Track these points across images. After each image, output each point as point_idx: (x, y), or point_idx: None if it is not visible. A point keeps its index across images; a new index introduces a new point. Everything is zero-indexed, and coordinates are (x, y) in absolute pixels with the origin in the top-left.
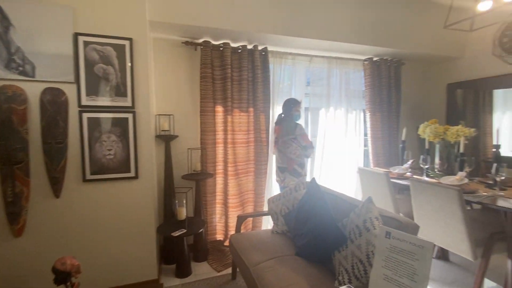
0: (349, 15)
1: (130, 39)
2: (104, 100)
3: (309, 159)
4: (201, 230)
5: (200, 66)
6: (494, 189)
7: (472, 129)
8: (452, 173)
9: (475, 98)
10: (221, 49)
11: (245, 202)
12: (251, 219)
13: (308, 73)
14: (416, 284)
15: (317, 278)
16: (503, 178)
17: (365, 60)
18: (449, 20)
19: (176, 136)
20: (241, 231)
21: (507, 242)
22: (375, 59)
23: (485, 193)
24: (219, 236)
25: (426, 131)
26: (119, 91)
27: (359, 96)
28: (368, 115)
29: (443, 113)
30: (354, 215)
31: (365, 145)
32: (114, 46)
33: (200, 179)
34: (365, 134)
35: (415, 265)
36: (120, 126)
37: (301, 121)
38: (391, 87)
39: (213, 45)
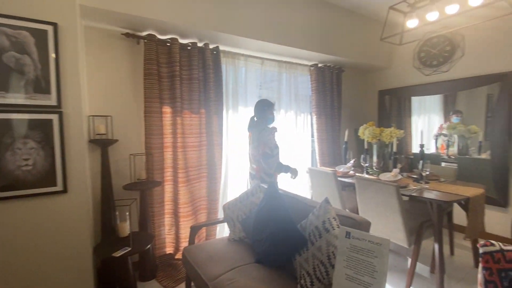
0: (300, 22)
1: (54, 24)
2: (17, 98)
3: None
4: (148, 246)
5: (144, 62)
6: (421, 183)
7: (402, 131)
8: (387, 170)
9: (398, 103)
10: (168, 44)
11: (198, 210)
12: (204, 227)
13: (260, 75)
14: (376, 281)
15: (280, 285)
16: (427, 173)
17: (311, 66)
18: (384, 34)
19: (116, 141)
20: (195, 242)
21: (433, 228)
22: (320, 65)
23: (414, 187)
24: (169, 250)
25: (366, 132)
26: (39, 86)
27: (307, 100)
28: (314, 118)
29: (376, 117)
30: (313, 217)
31: (312, 146)
32: (32, 31)
33: (146, 188)
34: (312, 136)
35: (374, 262)
36: (41, 129)
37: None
38: (333, 92)
39: (159, 39)
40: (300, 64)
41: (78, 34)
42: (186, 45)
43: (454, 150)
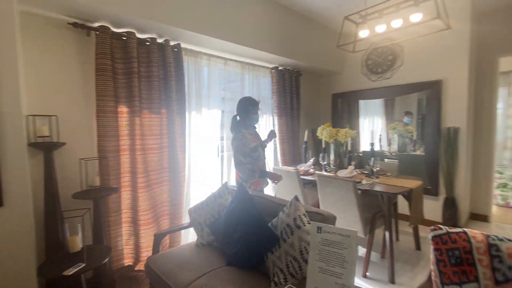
0: (262, 25)
1: None
2: None
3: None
4: (106, 260)
5: (96, 56)
6: (372, 178)
7: (355, 131)
8: (343, 167)
9: (348, 106)
10: (124, 38)
11: (160, 217)
12: (168, 234)
13: (223, 75)
14: (347, 270)
15: (253, 285)
16: (378, 168)
17: (272, 68)
18: (339, 42)
19: (63, 144)
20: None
21: (384, 218)
22: (280, 68)
23: (367, 182)
24: (128, 261)
25: (324, 133)
26: None
27: (269, 102)
28: (276, 119)
29: (330, 118)
30: (284, 215)
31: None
32: None
33: (100, 196)
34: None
35: (344, 253)
36: None
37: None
38: (293, 94)
39: (114, 32)
40: (262, 66)
41: (12, 19)
42: (144, 40)
43: (394, 147)
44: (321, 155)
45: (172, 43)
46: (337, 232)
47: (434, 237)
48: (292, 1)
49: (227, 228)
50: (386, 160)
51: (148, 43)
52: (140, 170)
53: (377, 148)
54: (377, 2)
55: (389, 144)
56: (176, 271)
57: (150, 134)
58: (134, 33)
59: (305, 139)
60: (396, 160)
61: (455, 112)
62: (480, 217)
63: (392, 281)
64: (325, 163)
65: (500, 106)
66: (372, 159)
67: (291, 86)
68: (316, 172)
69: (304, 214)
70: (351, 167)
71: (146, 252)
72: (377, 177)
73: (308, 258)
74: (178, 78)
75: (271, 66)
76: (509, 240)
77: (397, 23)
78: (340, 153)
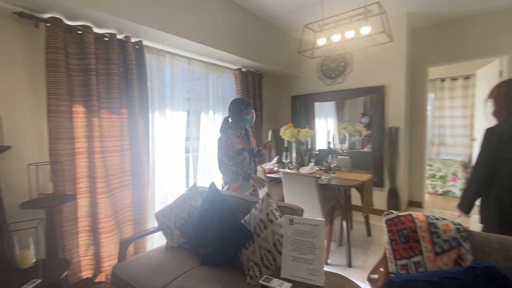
0: (226, 27)
1: None
2: None
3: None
4: (65, 273)
5: (47, 50)
6: (330, 173)
7: (314, 131)
8: (304, 164)
9: (306, 107)
10: (79, 32)
11: (123, 223)
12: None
13: (187, 75)
14: (317, 256)
15: (229, 281)
16: (334, 164)
17: (236, 69)
18: (300, 48)
19: (7, 148)
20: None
21: (341, 209)
22: (243, 70)
23: (326, 177)
24: (87, 274)
25: (286, 133)
26: None
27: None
28: None
29: (290, 119)
30: (256, 211)
31: None
32: None
33: (53, 205)
34: None
35: (314, 241)
36: None
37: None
38: (256, 95)
39: (68, 25)
40: (226, 67)
41: None
42: (102, 35)
43: (346, 145)
44: (284, 153)
45: (133, 40)
46: (307, 223)
47: (387, 221)
48: (256, 7)
49: (200, 229)
50: (339, 157)
51: (107, 39)
52: (100, 175)
53: (331, 146)
54: (333, 14)
55: (341, 142)
56: (148, 276)
57: (110, 136)
58: (91, 27)
59: (269, 139)
60: (348, 157)
61: (396, 114)
62: (416, 204)
63: (349, 265)
64: (288, 161)
65: (429, 108)
66: (330, 156)
67: (254, 87)
68: (280, 170)
69: (275, 209)
70: (311, 164)
71: (109, 262)
72: (334, 172)
73: (282, 249)
74: (140, 76)
75: (235, 67)
76: (443, 219)
77: (350, 34)
78: (301, 152)
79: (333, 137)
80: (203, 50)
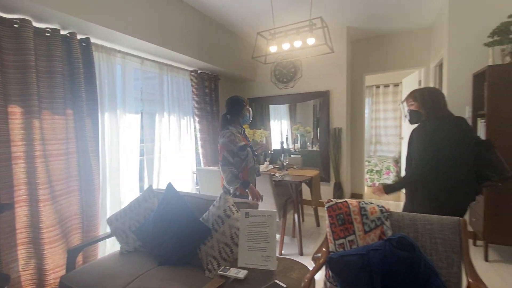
0: (180, 29)
1: None
2: None
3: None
4: None
5: None
6: (283, 171)
7: (268, 132)
8: (259, 163)
9: (261, 110)
10: (16, 26)
11: (69, 232)
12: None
13: (140, 75)
14: (270, 244)
15: (189, 277)
16: (287, 162)
17: (191, 71)
18: (253, 54)
19: None
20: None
21: (293, 203)
22: (199, 71)
23: (280, 174)
24: None
25: None
26: None
27: (189, 104)
28: (197, 120)
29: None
30: (214, 208)
31: (197, 146)
32: None
33: None
34: (196, 138)
35: (267, 230)
36: None
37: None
38: (212, 97)
39: (2, 18)
40: (181, 69)
41: None
42: (43, 30)
43: (297, 145)
44: None
45: (79, 36)
46: (261, 214)
47: (328, 207)
48: (212, 11)
49: (157, 230)
50: (292, 156)
51: (48, 34)
52: (42, 181)
53: (284, 146)
54: (283, 24)
55: (294, 142)
56: (103, 281)
57: (54, 139)
58: (30, 21)
59: None
60: (300, 156)
61: (339, 116)
62: (357, 196)
63: (301, 253)
64: None
65: (366, 111)
66: (283, 155)
67: (210, 89)
68: None
69: (232, 205)
70: (266, 163)
71: (54, 274)
72: (286, 170)
73: (239, 241)
74: (88, 75)
75: (190, 69)
76: (371, 203)
77: (297, 43)
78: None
79: (287, 138)
80: (157, 51)
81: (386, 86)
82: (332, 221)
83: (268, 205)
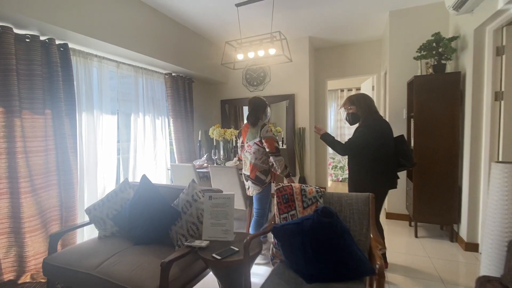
0: (155, 34)
1: None
2: None
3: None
4: None
5: None
6: None
7: (238, 130)
8: (230, 159)
9: (235, 110)
10: None
11: (49, 223)
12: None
13: (116, 78)
14: (228, 220)
15: (161, 251)
16: None
17: (166, 74)
18: (223, 60)
19: None
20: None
21: None
22: (173, 74)
23: None
24: (9, 276)
25: (214, 132)
26: None
27: (164, 105)
28: (171, 120)
29: (219, 120)
30: (183, 195)
31: (171, 145)
32: None
33: None
34: (170, 137)
35: (226, 210)
36: None
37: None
38: (186, 98)
39: None
40: (156, 72)
41: None
42: (23, 36)
43: None
44: (212, 151)
45: (58, 42)
46: (222, 197)
47: (276, 190)
48: (184, 19)
49: (133, 216)
50: None
51: (28, 40)
52: (23, 175)
53: None
54: (248, 35)
55: None
56: (83, 259)
57: (34, 136)
58: (11, 28)
59: (199, 138)
60: None
61: (303, 117)
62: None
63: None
64: (216, 157)
65: (332, 113)
66: None
67: (184, 91)
68: (210, 165)
69: (199, 191)
70: (235, 159)
71: (35, 260)
72: None
73: (203, 219)
74: (66, 78)
75: (164, 72)
76: (310, 186)
77: (261, 53)
78: (228, 149)
79: None
80: (132, 55)
81: (349, 90)
82: (279, 200)
83: (237, 195)
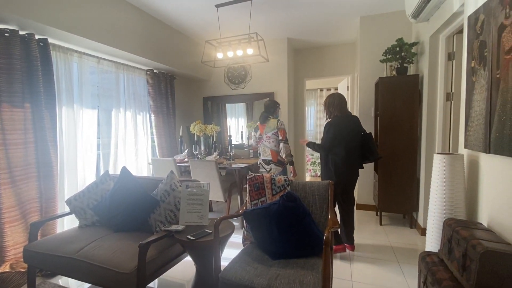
0: (136, 31)
1: None
2: None
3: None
4: None
5: None
6: (230, 160)
7: (218, 127)
8: (210, 154)
9: (217, 107)
10: None
11: (29, 213)
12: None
13: (97, 73)
14: (203, 207)
15: (140, 237)
16: (233, 153)
17: (147, 70)
18: (203, 58)
19: None
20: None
21: (237, 187)
22: (155, 71)
23: (226, 163)
24: None
25: (195, 128)
26: None
27: (145, 100)
28: (153, 116)
29: (202, 116)
30: (162, 185)
31: (153, 141)
32: None
33: None
34: (152, 133)
35: (202, 197)
36: None
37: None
38: (168, 95)
39: None
40: (137, 68)
41: None
42: (2, 31)
43: (251, 142)
44: (193, 146)
45: (37, 37)
46: (197, 185)
47: (248, 179)
48: (166, 18)
49: (113, 205)
50: (245, 149)
51: (7, 35)
52: (2, 166)
53: (240, 141)
54: (227, 35)
55: (249, 138)
56: (64, 244)
57: (12, 129)
58: None
59: (181, 134)
60: (250, 148)
61: (282, 114)
62: None
63: (242, 227)
64: (197, 152)
65: (312, 111)
66: (230, 147)
67: (166, 87)
68: (190, 159)
69: (177, 181)
70: (215, 154)
71: (14, 250)
72: (233, 160)
73: (180, 206)
74: (45, 72)
75: (146, 68)
76: (279, 176)
77: (239, 52)
78: (208, 144)
79: (242, 134)
80: (113, 51)
81: (328, 89)
82: (250, 188)
83: (214, 187)
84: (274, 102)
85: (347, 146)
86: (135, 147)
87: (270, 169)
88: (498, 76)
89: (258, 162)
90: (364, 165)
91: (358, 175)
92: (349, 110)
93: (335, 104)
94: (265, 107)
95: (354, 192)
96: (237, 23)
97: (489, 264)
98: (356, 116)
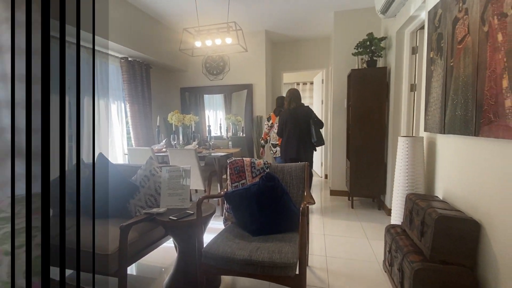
0: (108, 15)
1: None
2: None
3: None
4: None
5: None
6: (210, 150)
7: (197, 117)
8: (189, 143)
9: (195, 98)
10: None
11: None
12: None
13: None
14: (185, 190)
15: (119, 222)
16: (213, 142)
17: (121, 58)
18: (181, 46)
19: None
20: None
21: (217, 175)
22: (130, 59)
23: (206, 152)
24: None
25: (173, 118)
26: None
27: (120, 89)
28: (128, 106)
29: (179, 107)
30: (141, 170)
31: (128, 134)
32: None
33: None
34: (127, 122)
35: (182, 181)
36: None
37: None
38: (143, 84)
39: None
40: (111, 55)
41: None
42: None
43: (230, 133)
44: (172, 136)
45: None
46: (178, 170)
47: (229, 163)
48: (140, 3)
49: (89, 192)
50: (222, 140)
51: None
52: None
53: (218, 133)
54: (206, 24)
55: (227, 130)
56: None
57: None
58: None
59: (158, 123)
60: (229, 141)
61: (260, 106)
62: None
63: (222, 214)
64: (175, 142)
65: None
66: (208, 136)
67: (141, 77)
68: (168, 148)
69: (157, 167)
70: (194, 143)
71: None
72: (213, 149)
73: (161, 190)
74: None
75: (120, 56)
76: (257, 160)
77: (218, 41)
78: (187, 134)
79: (220, 126)
80: (84, 36)
81: (304, 83)
82: (231, 172)
83: (193, 176)
84: (284, 98)
85: (296, 132)
86: (110, 136)
87: (276, 151)
88: (452, 64)
89: (267, 146)
90: (338, 153)
91: (308, 154)
92: (307, 103)
93: (283, 97)
94: (277, 103)
95: (328, 179)
96: (215, 12)
97: (443, 227)
98: (307, 106)
